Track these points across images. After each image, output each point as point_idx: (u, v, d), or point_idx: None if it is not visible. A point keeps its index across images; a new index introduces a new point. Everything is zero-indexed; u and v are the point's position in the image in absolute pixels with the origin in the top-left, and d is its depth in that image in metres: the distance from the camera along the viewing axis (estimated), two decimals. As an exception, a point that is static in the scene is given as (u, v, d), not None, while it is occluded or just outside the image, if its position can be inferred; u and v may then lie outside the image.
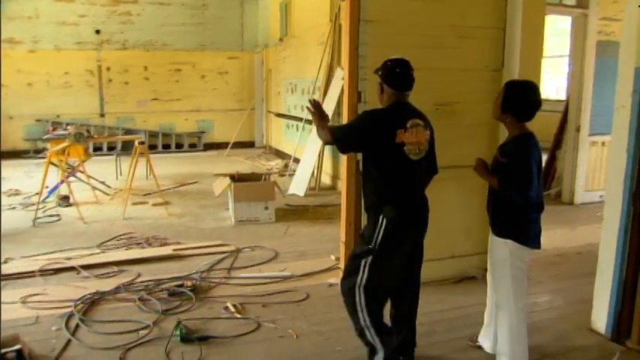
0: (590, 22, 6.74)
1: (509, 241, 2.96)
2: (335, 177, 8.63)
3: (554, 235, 5.99)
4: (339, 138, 2.97)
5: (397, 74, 2.87)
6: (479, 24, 4.37)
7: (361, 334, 2.92)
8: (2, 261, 4.89)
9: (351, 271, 2.92)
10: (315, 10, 9.20)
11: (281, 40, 11.64)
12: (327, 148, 8.42)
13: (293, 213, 7.00)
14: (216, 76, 13.12)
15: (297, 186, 8.10)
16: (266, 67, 13.03)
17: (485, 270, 4.75)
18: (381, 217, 2.84)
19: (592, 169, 7.27)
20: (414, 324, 3.18)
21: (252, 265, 4.94)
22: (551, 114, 9.54)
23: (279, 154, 11.83)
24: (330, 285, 4.48)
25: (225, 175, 6.90)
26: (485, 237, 4.73)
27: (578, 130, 7.05)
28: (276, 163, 10.78)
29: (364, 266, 2.83)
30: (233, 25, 13.14)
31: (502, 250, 3.01)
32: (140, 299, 4.07)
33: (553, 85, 14.28)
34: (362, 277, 2.83)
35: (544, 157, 7.80)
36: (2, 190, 8.07)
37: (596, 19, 6.77)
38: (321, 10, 8.74)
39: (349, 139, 2.96)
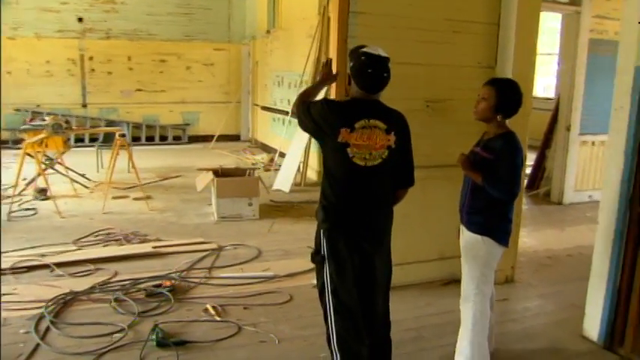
0: (583, 19, 6.63)
1: (487, 239, 2.88)
2: (321, 172, 8.45)
3: (544, 235, 5.92)
4: (299, 115, 2.73)
5: (368, 75, 2.54)
6: (472, 18, 4.22)
7: (328, 340, 2.72)
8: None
9: (317, 274, 2.74)
10: (304, 2, 9.00)
11: (268, 32, 11.43)
12: (314, 142, 8.25)
13: (278, 209, 6.84)
14: (202, 68, 12.85)
15: (283, 181, 7.92)
16: (253, 59, 12.81)
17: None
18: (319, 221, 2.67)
19: (582, 169, 7.19)
20: None
21: (234, 265, 4.77)
22: (540, 112, 9.47)
23: (265, 148, 11.63)
24: (314, 286, 4.31)
25: (208, 169, 6.71)
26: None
27: (568, 129, 6.96)
28: (261, 157, 10.59)
29: (325, 272, 2.63)
30: (220, 16, 12.88)
31: (478, 247, 2.91)
32: (116, 300, 3.88)
33: (541, 83, 14.26)
34: (327, 284, 2.62)
35: (533, 157, 7.82)
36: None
37: (588, 16, 6.66)
38: (310, 1, 8.55)
39: (303, 121, 2.70)
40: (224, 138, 12.46)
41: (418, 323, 3.75)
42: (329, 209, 2.63)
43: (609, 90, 6.88)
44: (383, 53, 2.56)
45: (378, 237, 2.70)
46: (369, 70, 2.52)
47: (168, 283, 4.14)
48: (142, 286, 4.14)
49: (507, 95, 2.84)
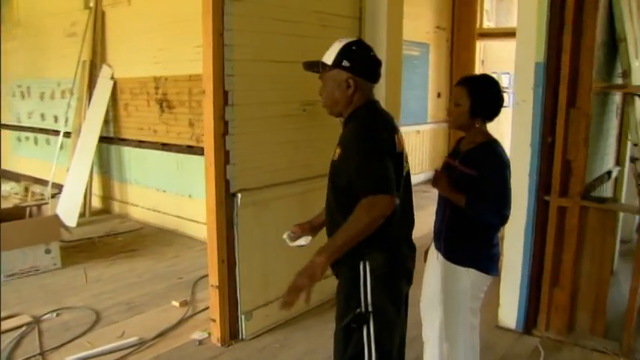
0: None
1: (472, 271, 2.41)
2: (107, 198, 7.17)
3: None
4: (387, 188, 1.85)
5: (374, 60, 2.11)
6: (337, 11, 3.91)
7: None
8: None
9: (347, 339, 2.00)
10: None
11: (-4, 30, 9.22)
12: (96, 164, 6.91)
13: (78, 250, 5.47)
14: None
15: (66, 215, 6.41)
16: (-27, 66, 10.22)
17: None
18: (361, 268, 1.98)
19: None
20: None
21: (73, 339, 3.53)
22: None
23: (8, 176, 9.41)
24: (200, 343, 3.48)
25: (-27, 214, 4.97)
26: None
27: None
28: (11, 187, 8.51)
29: (369, 334, 1.96)
30: None
31: (463, 280, 2.43)
32: None
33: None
34: (371, 350, 1.96)
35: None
36: None
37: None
38: (69, -8, 7.07)
39: (390, 175, 1.89)
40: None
41: None
42: (387, 246, 1.98)
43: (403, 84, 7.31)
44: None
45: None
46: (372, 53, 2.12)
47: (-3, 394, 2.82)
48: (-47, 409, 2.73)
49: (483, 94, 2.36)
